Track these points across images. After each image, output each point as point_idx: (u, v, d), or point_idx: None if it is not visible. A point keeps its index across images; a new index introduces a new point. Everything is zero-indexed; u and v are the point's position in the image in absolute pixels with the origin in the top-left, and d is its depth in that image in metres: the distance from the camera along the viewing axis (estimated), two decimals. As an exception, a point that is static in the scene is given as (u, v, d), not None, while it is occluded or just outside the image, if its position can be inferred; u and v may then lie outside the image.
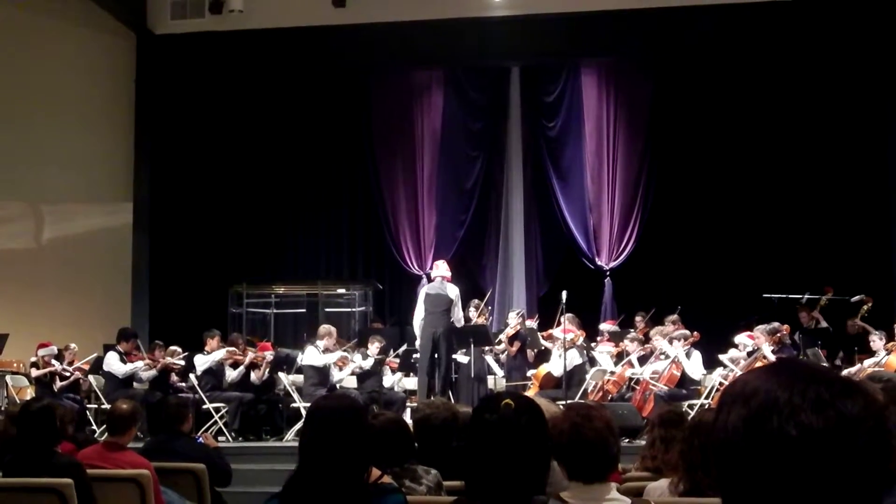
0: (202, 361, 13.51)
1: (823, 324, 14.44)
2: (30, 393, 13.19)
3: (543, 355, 14.26)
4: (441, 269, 13.86)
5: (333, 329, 13.72)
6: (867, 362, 12.53)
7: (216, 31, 16.67)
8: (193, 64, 17.13)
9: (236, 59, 16.97)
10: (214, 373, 13.56)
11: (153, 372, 13.59)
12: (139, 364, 13.46)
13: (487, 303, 15.25)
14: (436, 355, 13.20)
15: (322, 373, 13.14)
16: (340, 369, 13.40)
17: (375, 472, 3.74)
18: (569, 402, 10.65)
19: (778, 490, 1.35)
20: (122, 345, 13.68)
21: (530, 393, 12.25)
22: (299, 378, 13.48)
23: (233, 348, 13.77)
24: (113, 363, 13.47)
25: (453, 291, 13.44)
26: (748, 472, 1.37)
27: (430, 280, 14.05)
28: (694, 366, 12.81)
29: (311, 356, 13.19)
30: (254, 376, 13.82)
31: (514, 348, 14.06)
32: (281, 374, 13.75)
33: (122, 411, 6.91)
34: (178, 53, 17.03)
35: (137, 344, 13.91)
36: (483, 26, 16.50)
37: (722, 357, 13.12)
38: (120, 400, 7.47)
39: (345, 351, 13.71)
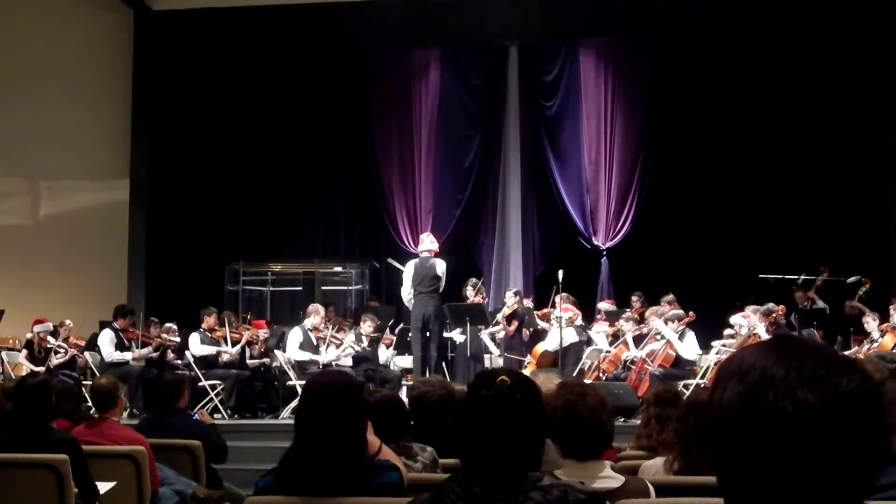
0: (198, 349, 13.48)
1: (820, 304, 14.44)
2: (25, 369, 13.17)
3: (539, 335, 14.26)
4: (426, 242, 13.85)
5: (322, 308, 13.72)
6: (863, 346, 12.53)
7: (214, 7, 16.61)
8: (191, 40, 17.07)
9: (234, 35, 16.91)
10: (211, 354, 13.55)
11: (148, 350, 13.57)
12: (127, 355, 13.38)
13: (484, 282, 15.24)
14: (427, 334, 13.22)
15: (312, 354, 13.13)
16: (328, 346, 13.37)
17: (375, 443, 3.75)
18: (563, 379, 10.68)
19: (773, 466, 1.35)
20: (118, 321, 13.65)
21: (527, 371, 12.25)
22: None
23: (227, 347, 13.67)
24: (104, 345, 13.41)
25: (441, 267, 13.41)
26: (744, 448, 1.37)
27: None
28: (688, 347, 12.81)
29: (292, 342, 13.17)
30: (249, 353, 13.83)
31: (512, 328, 14.06)
32: (277, 352, 13.74)
33: (102, 387, 6.93)
34: (175, 30, 16.96)
35: (133, 321, 13.89)
36: (481, 5, 16.46)
37: (715, 343, 13.13)
38: (97, 377, 7.48)
39: (339, 330, 13.72)
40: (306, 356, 13.12)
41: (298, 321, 13.91)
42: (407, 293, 13.63)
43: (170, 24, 16.92)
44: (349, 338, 13.56)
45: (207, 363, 13.39)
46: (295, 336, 13.24)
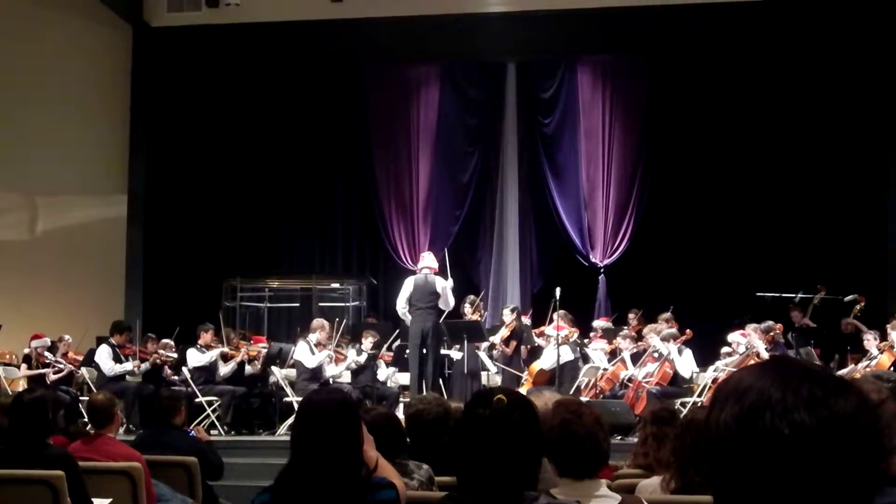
0: (196, 359, 13.47)
1: (809, 324, 14.45)
2: (22, 384, 13.15)
3: (536, 352, 14.24)
4: (427, 260, 13.88)
5: (326, 323, 13.69)
6: (860, 364, 12.54)
7: (213, 24, 16.64)
8: (189, 57, 17.11)
9: (232, 52, 16.95)
10: (207, 367, 13.53)
11: (146, 365, 13.56)
12: (128, 366, 13.38)
13: (481, 298, 15.24)
14: (423, 351, 13.23)
15: (313, 369, 13.12)
16: (332, 363, 13.37)
17: (372, 458, 3.74)
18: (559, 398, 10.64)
19: (770, 488, 1.35)
20: (115, 337, 13.63)
21: (523, 389, 12.25)
22: (292, 372, 13.47)
23: (225, 349, 13.69)
24: (103, 360, 13.38)
25: (440, 284, 13.45)
26: (740, 470, 1.37)
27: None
28: (685, 364, 12.81)
29: (302, 354, 13.17)
30: (249, 368, 13.82)
31: (510, 348, 14.04)
32: (274, 369, 13.72)
33: (99, 403, 6.91)
34: (174, 46, 17.00)
35: (130, 337, 13.88)
36: (479, 22, 16.49)
37: (719, 363, 13.09)
38: (93, 393, 7.47)
39: (339, 346, 13.72)
40: (323, 355, 13.15)
41: (296, 337, 13.89)
42: (402, 307, 13.63)
43: (168, 40, 16.95)
44: (351, 354, 13.57)
45: (205, 378, 13.37)
46: (303, 348, 13.22)
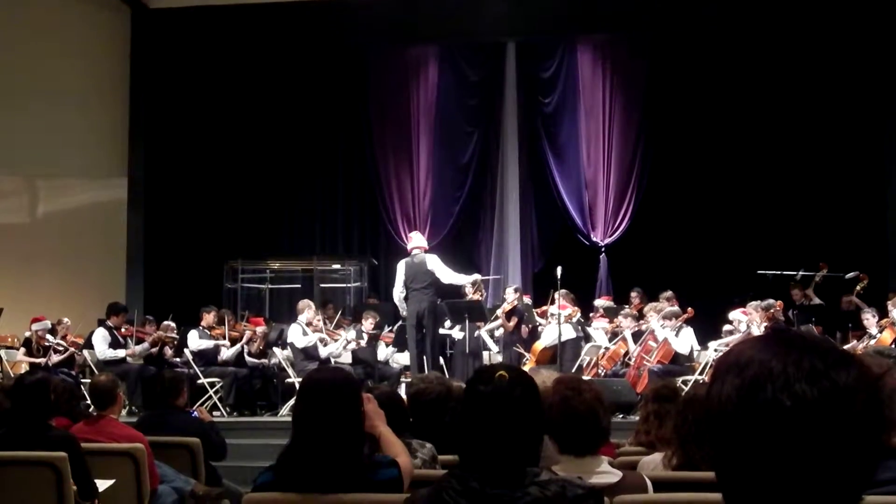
0: (197, 343, 13.47)
1: (816, 301, 14.46)
2: (24, 368, 13.16)
3: (538, 331, 14.24)
4: (416, 240, 13.87)
5: (311, 302, 13.72)
6: (861, 342, 12.55)
7: (211, 4, 16.60)
8: (189, 38, 17.05)
9: (231, 33, 16.89)
10: (209, 348, 13.55)
11: (145, 346, 13.57)
12: (120, 353, 13.38)
13: (482, 278, 15.24)
14: (423, 331, 13.24)
15: (308, 350, 13.14)
16: (326, 345, 13.36)
17: (377, 431, 3.75)
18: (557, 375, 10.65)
19: (771, 461, 1.34)
20: (112, 319, 13.65)
21: (526, 368, 12.24)
22: (293, 353, 13.50)
23: (225, 341, 13.68)
24: (97, 344, 13.39)
25: (432, 262, 13.42)
26: (742, 443, 1.36)
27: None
28: (685, 343, 12.80)
29: (294, 336, 13.19)
30: (251, 358, 13.82)
31: (512, 324, 14.06)
32: (275, 349, 13.73)
33: (102, 384, 6.94)
34: (172, 28, 16.95)
35: (128, 318, 13.88)
36: (479, 2, 16.43)
37: (712, 343, 13.08)
38: (96, 375, 7.49)
39: (340, 328, 13.72)
40: (315, 337, 13.16)
41: (296, 319, 13.91)
42: (398, 292, 13.63)
43: (167, 22, 16.91)
44: (350, 334, 13.57)
45: (206, 360, 13.38)
46: (296, 329, 13.25)
